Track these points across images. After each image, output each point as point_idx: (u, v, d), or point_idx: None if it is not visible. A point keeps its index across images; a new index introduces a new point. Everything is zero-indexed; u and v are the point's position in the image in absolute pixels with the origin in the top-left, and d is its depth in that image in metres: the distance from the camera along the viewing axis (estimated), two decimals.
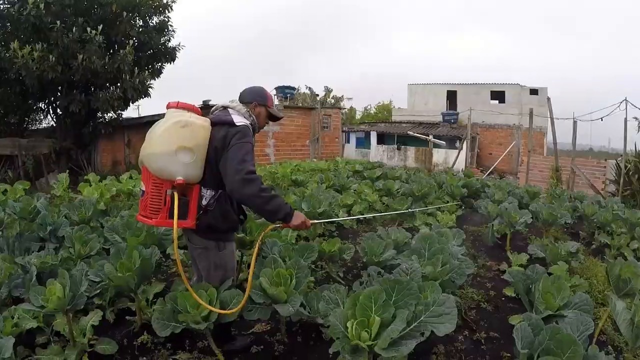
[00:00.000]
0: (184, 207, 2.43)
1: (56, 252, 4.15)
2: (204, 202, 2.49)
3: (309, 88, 30.49)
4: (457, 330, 3.27)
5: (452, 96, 26.17)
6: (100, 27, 11.26)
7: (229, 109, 2.62)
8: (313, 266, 4.57)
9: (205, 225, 2.51)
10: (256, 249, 2.69)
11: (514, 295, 3.93)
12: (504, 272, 4.68)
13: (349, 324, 1.96)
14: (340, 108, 23.25)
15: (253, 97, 2.72)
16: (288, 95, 23.60)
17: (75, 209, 5.17)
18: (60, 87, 12.21)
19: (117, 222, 4.19)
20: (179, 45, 14.47)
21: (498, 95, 25.19)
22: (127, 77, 12.06)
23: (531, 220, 5.34)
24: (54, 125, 14.17)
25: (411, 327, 1.91)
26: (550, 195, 8.31)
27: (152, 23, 13.67)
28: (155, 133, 2.43)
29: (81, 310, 3.12)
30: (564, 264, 4.08)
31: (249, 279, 2.56)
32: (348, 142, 24.79)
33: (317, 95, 30.01)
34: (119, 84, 12.28)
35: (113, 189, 6.67)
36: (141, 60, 13.34)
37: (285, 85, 23.51)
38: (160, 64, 14.50)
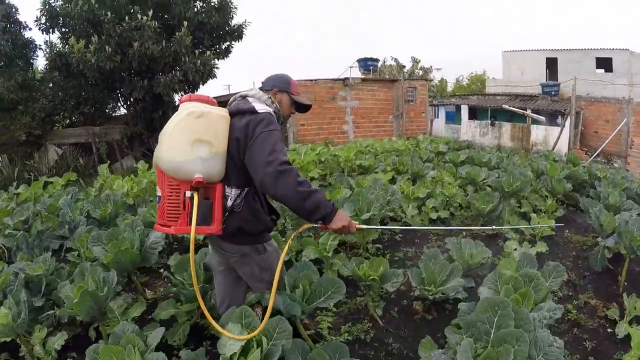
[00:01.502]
0: (206, 211, 2.14)
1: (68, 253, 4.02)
2: (229, 203, 2.21)
3: (395, 59, 28.53)
4: None
5: (552, 64, 22.57)
6: (150, 13, 11.36)
7: (248, 98, 2.36)
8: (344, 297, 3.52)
9: (235, 229, 2.22)
10: (283, 253, 2.27)
11: None
12: (613, 322, 3.28)
13: None
14: (427, 79, 21.20)
15: (273, 84, 2.48)
16: (371, 67, 22.20)
17: (101, 204, 4.82)
18: (122, 76, 12.41)
19: (102, 232, 3.53)
20: (244, 22, 14.04)
21: (604, 63, 21.10)
22: (187, 59, 11.87)
23: None
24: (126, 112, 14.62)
25: None
26: None
27: (211, 3, 13.36)
28: (167, 128, 2.15)
29: (65, 323, 3.06)
30: None
31: (272, 294, 2.14)
32: (437, 117, 22.77)
33: (404, 66, 28.02)
34: (179, 67, 12.12)
35: (144, 181, 6.13)
36: (203, 41, 13.22)
37: (367, 57, 22.09)
38: (228, 43, 14.27)
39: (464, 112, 19.89)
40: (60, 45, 12.57)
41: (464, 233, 5.01)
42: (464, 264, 3.41)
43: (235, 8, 13.69)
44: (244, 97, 2.40)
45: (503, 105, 17.54)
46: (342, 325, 3.22)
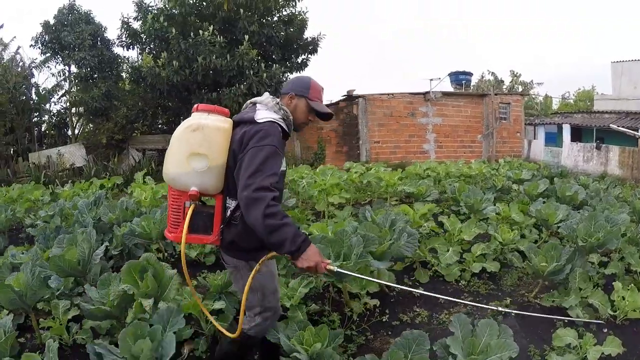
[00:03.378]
0: (207, 221, 2.19)
1: None
2: (228, 214, 2.19)
3: (492, 73, 26.13)
4: None
5: None
6: (211, 28, 11.58)
7: (257, 104, 2.26)
8: None
9: (229, 241, 2.19)
10: (250, 279, 2.15)
11: None
12: None
13: None
14: (522, 94, 18.85)
15: (290, 87, 2.34)
16: (463, 81, 20.41)
17: (115, 209, 5.03)
18: (191, 88, 12.73)
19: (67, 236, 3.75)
20: (319, 35, 13.74)
21: None
22: (251, 72, 11.72)
23: None
24: None
25: None
26: None
27: (280, 16, 13.26)
28: (171, 139, 2.21)
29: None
30: None
31: (241, 317, 2.22)
32: (536, 137, 20.20)
33: (502, 81, 25.55)
34: (243, 80, 12.04)
35: (161, 191, 6.19)
36: (272, 54, 13.04)
37: (459, 70, 20.36)
38: (303, 57, 14.03)
39: (566, 132, 17.21)
40: (137, 60, 13.53)
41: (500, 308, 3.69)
42: None
43: (306, 21, 13.30)
44: (254, 103, 2.30)
45: (610, 125, 14.85)
46: None
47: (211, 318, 2.40)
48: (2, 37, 15.52)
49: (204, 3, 12.47)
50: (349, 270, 2.75)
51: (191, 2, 12.27)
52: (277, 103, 2.24)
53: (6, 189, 8.40)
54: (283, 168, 2.20)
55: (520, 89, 24.78)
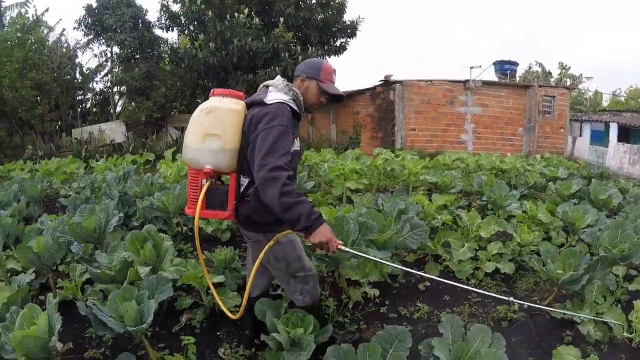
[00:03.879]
0: (222, 197, 2.35)
1: None
2: (240, 191, 2.34)
3: (540, 64, 24.94)
4: None
5: None
6: (246, 10, 11.56)
7: (269, 87, 2.38)
8: None
9: (244, 216, 2.35)
10: (262, 255, 2.31)
11: None
12: None
13: None
14: (568, 87, 17.81)
15: (302, 70, 2.46)
16: (508, 71, 19.59)
17: (141, 183, 5.31)
18: (228, 70, 12.89)
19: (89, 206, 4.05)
20: (357, 19, 13.61)
21: None
22: (286, 55, 11.75)
23: None
24: None
25: None
26: None
27: None
28: (190, 121, 2.37)
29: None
30: None
31: (248, 287, 2.39)
32: (582, 135, 19.27)
33: (550, 74, 24.35)
34: (278, 63, 12.12)
35: (185, 169, 6.21)
36: (309, 37, 12.99)
37: (504, 60, 19.57)
38: (342, 40, 13.98)
39: (613, 131, 16.28)
40: (175, 42, 14.16)
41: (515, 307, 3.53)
42: None
43: (345, 3, 13.17)
44: (266, 86, 2.40)
45: None
46: None
47: (214, 292, 2.53)
48: (47, 21, 16.19)
49: None
50: (345, 257, 2.80)
51: None
52: (287, 85, 2.35)
53: (45, 161, 9.05)
54: (296, 148, 2.30)
55: (568, 82, 23.59)
